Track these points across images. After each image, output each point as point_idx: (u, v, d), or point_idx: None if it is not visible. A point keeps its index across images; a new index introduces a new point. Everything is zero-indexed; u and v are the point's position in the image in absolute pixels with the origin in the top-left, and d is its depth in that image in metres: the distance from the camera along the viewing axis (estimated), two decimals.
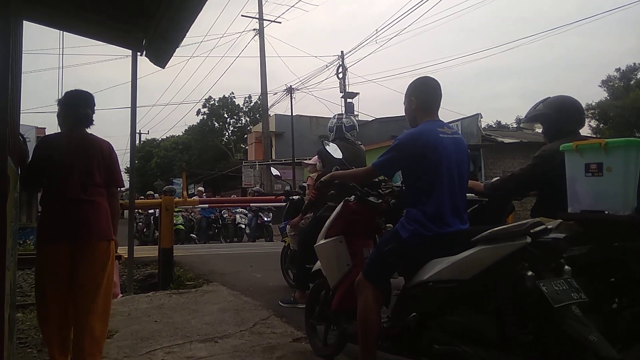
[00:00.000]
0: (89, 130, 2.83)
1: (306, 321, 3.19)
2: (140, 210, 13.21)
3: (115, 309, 4.21)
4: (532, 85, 76.75)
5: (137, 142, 29.73)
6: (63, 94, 2.86)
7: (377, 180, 2.80)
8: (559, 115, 2.77)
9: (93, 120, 2.84)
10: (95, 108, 2.86)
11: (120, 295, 3.26)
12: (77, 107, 2.78)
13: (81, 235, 2.58)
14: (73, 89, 2.87)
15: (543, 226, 1.88)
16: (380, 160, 2.38)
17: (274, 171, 5.84)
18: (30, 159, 2.72)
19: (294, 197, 5.17)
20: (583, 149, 2.33)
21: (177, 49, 3.89)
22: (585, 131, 3.01)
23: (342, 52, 21.84)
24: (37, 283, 2.65)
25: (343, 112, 5.14)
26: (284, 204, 5.53)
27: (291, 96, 22.72)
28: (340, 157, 3.07)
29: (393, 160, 2.35)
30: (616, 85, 28.41)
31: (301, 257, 4.25)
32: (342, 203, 2.85)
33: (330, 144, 3.20)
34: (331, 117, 4.64)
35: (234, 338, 3.47)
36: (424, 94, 2.45)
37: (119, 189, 2.98)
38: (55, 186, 2.65)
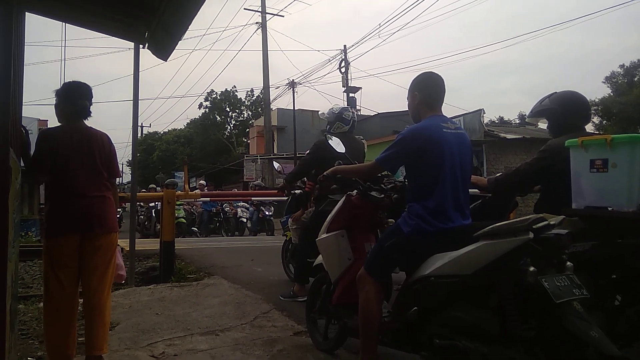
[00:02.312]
0: (87, 123, 2.84)
1: (307, 315, 3.20)
2: (141, 203, 13.24)
3: (117, 301, 4.23)
4: (535, 81, 76.65)
5: (139, 135, 29.75)
6: (61, 86, 2.87)
7: (379, 175, 2.80)
8: (564, 110, 2.75)
9: (91, 112, 2.84)
10: (92, 100, 2.86)
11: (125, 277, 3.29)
12: (75, 99, 2.78)
13: (92, 227, 2.65)
14: (71, 80, 2.88)
15: (546, 222, 1.87)
16: (384, 155, 2.37)
17: (276, 165, 5.89)
18: (33, 152, 2.72)
19: (296, 191, 5.17)
20: (588, 145, 2.32)
21: (180, 42, 3.88)
22: (588, 127, 2.99)
23: (344, 46, 21.79)
24: (45, 274, 2.69)
25: (340, 106, 4.92)
26: (286, 198, 5.53)
27: (293, 90, 22.70)
28: (343, 151, 3.06)
29: (396, 156, 2.35)
30: (620, 81, 28.22)
31: (302, 250, 4.25)
32: (344, 197, 2.84)
33: (333, 137, 3.19)
34: (325, 110, 4.58)
35: (234, 331, 3.48)
36: (427, 89, 2.44)
37: (117, 179, 3.03)
38: (64, 181, 2.68)
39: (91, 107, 2.85)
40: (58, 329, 2.62)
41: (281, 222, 5.75)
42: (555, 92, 2.86)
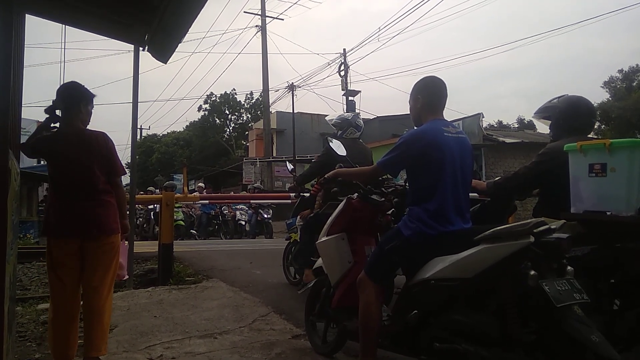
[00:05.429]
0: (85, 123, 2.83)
1: (306, 318, 3.19)
2: (140, 206, 13.21)
3: (115, 304, 4.20)
4: (534, 85, 76.89)
5: (138, 137, 29.70)
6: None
7: (380, 178, 2.80)
8: (569, 111, 2.77)
9: (85, 112, 2.81)
10: (82, 99, 2.81)
11: (126, 277, 3.31)
12: (64, 99, 2.77)
13: (91, 232, 2.65)
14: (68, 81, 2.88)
15: (546, 226, 1.87)
16: (385, 159, 2.38)
17: (289, 166, 6.09)
18: (31, 143, 2.73)
19: (304, 194, 5.20)
20: (587, 149, 2.32)
21: (179, 45, 3.88)
22: None
23: (344, 49, 21.82)
24: (48, 274, 2.70)
25: (351, 112, 5.24)
26: (291, 201, 5.59)
27: (293, 93, 22.72)
28: (344, 154, 3.06)
29: (398, 159, 2.35)
30: (618, 86, 28.29)
31: (305, 242, 4.28)
32: (344, 201, 2.84)
33: (335, 140, 3.19)
34: (334, 116, 4.69)
35: (233, 334, 3.47)
36: (430, 94, 2.44)
37: (121, 177, 2.97)
38: (63, 185, 2.69)
39: (85, 107, 2.81)
40: (59, 329, 2.63)
41: (287, 224, 5.79)
42: (567, 94, 2.89)
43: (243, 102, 38.26)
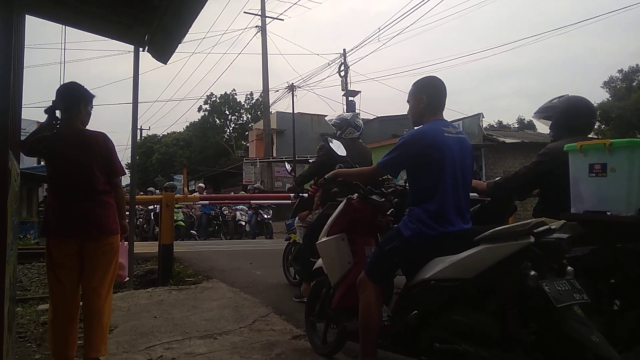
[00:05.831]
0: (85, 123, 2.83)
1: (306, 319, 3.19)
2: (140, 206, 13.20)
3: (115, 304, 4.20)
4: (534, 85, 76.93)
5: (138, 138, 29.74)
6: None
7: (380, 178, 2.80)
8: (569, 111, 2.78)
9: (85, 112, 2.81)
10: (82, 100, 2.81)
11: (127, 278, 3.32)
12: (64, 99, 2.77)
13: (90, 233, 2.65)
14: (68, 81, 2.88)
15: (546, 226, 1.87)
16: (386, 159, 2.38)
17: (288, 166, 6.11)
18: (30, 143, 2.74)
19: (304, 194, 5.21)
20: (587, 149, 2.32)
21: (179, 45, 3.88)
22: None
23: (344, 50, 21.80)
24: (47, 275, 2.71)
25: (350, 113, 5.33)
26: (291, 201, 5.59)
27: (293, 94, 22.72)
28: (344, 154, 3.06)
29: (398, 160, 2.36)
30: (618, 86, 28.28)
31: (306, 249, 4.27)
32: (344, 201, 2.84)
33: (334, 141, 3.18)
34: (334, 116, 4.70)
35: (233, 335, 3.47)
36: (434, 94, 2.44)
37: (121, 177, 2.97)
38: (63, 186, 2.69)
39: (85, 108, 2.81)
40: (58, 329, 2.64)
41: (286, 224, 5.80)
42: (567, 94, 2.89)
43: (243, 103, 38.33)
